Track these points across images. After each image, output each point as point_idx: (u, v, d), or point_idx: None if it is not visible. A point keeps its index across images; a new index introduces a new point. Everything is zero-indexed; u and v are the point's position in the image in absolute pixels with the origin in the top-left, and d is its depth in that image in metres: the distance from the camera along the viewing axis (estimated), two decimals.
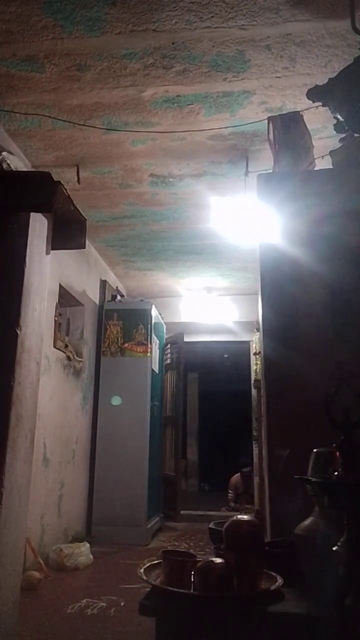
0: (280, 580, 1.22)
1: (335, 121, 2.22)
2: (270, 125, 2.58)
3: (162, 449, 6.05)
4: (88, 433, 5.06)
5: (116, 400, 5.11)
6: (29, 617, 2.75)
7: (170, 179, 3.96)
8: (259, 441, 5.78)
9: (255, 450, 6.63)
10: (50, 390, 4.04)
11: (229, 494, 7.67)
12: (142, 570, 1.28)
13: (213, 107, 3.08)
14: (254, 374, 6.48)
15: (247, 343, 7.14)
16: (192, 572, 1.23)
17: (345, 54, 2.58)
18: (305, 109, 2.70)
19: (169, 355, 6.53)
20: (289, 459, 1.72)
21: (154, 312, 5.52)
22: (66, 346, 4.47)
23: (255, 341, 6.51)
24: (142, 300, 5.81)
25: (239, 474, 7.74)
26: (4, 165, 2.31)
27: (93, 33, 2.51)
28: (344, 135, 2.18)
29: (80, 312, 5.02)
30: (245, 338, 7.05)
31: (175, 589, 1.18)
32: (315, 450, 1.40)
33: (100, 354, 5.31)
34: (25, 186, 1.99)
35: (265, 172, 2.54)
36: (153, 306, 5.53)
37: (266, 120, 2.69)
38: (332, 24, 2.44)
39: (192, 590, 1.21)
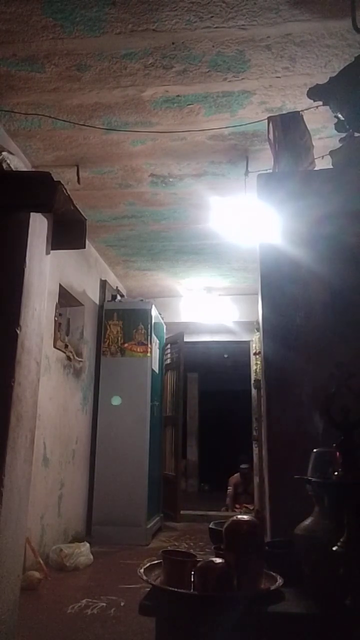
0: (280, 580, 1.22)
1: (335, 120, 2.22)
2: (270, 125, 2.58)
3: (162, 449, 6.05)
4: (88, 433, 5.06)
5: (116, 400, 5.11)
6: (29, 617, 2.75)
7: (170, 179, 3.96)
8: (259, 441, 5.78)
9: (255, 450, 6.62)
10: (50, 390, 4.04)
11: (228, 490, 7.65)
12: (142, 570, 1.29)
13: (213, 107, 3.08)
14: (254, 374, 6.48)
15: (247, 343, 7.14)
16: (192, 572, 1.23)
17: (345, 53, 2.58)
18: (305, 109, 2.70)
19: (169, 355, 6.53)
20: (289, 459, 1.72)
21: (154, 312, 5.52)
22: (66, 346, 4.47)
23: (255, 341, 6.51)
24: (142, 300, 5.81)
25: (238, 474, 7.73)
26: (4, 165, 2.31)
27: (93, 33, 2.51)
28: (344, 135, 2.18)
29: (80, 312, 5.02)
30: (245, 338, 7.05)
31: (175, 589, 1.18)
32: (315, 450, 1.40)
33: (100, 354, 5.31)
34: (25, 186, 1.99)
35: (265, 172, 2.54)
36: (153, 306, 5.53)
37: (266, 120, 2.68)
38: (332, 24, 2.44)
39: (192, 590, 1.21)
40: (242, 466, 7.67)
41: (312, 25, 2.46)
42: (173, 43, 2.58)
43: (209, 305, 6.73)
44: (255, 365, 6.41)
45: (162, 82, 2.86)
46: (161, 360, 6.14)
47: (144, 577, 1.25)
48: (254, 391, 6.18)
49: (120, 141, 3.44)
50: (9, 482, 1.76)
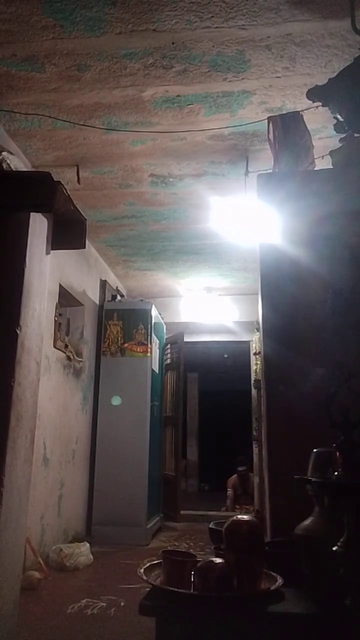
0: (280, 580, 1.22)
1: (335, 121, 2.23)
2: (270, 125, 2.58)
3: (162, 449, 6.05)
4: (88, 433, 5.06)
5: (116, 400, 5.11)
6: (29, 617, 2.75)
7: (170, 179, 3.96)
8: (259, 441, 5.78)
9: (255, 450, 6.62)
10: (50, 390, 4.04)
11: (228, 492, 7.63)
12: (142, 570, 1.28)
13: (213, 107, 3.08)
14: (254, 374, 6.48)
15: (247, 343, 7.14)
16: (192, 572, 1.23)
17: (345, 54, 2.58)
18: (305, 109, 2.71)
19: (169, 355, 6.53)
20: (289, 459, 1.72)
21: (154, 312, 5.52)
22: (66, 346, 4.47)
23: (255, 341, 6.51)
24: (142, 300, 5.81)
25: (235, 475, 7.71)
26: (4, 165, 2.31)
27: (93, 33, 2.51)
28: (344, 135, 2.18)
29: (80, 312, 5.02)
30: (245, 338, 7.05)
31: (175, 589, 1.18)
32: (315, 450, 1.40)
33: (100, 354, 5.31)
34: (25, 186, 1.99)
35: (265, 172, 2.54)
36: (153, 306, 5.53)
37: (266, 120, 2.69)
38: (332, 24, 2.44)
39: (192, 590, 1.21)
40: (240, 468, 7.63)
41: (312, 25, 2.46)
42: (173, 43, 2.58)
43: (209, 305, 6.74)
44: (255, 365, 6.41)
45: (162, 82, 2.86)
46: (161, 360, 6.14)
47: (144, 577, 1.25)
48: (254, 391, 6.18)
49: (120, 141, 3.44)
50: (9, 482, 1.76)
